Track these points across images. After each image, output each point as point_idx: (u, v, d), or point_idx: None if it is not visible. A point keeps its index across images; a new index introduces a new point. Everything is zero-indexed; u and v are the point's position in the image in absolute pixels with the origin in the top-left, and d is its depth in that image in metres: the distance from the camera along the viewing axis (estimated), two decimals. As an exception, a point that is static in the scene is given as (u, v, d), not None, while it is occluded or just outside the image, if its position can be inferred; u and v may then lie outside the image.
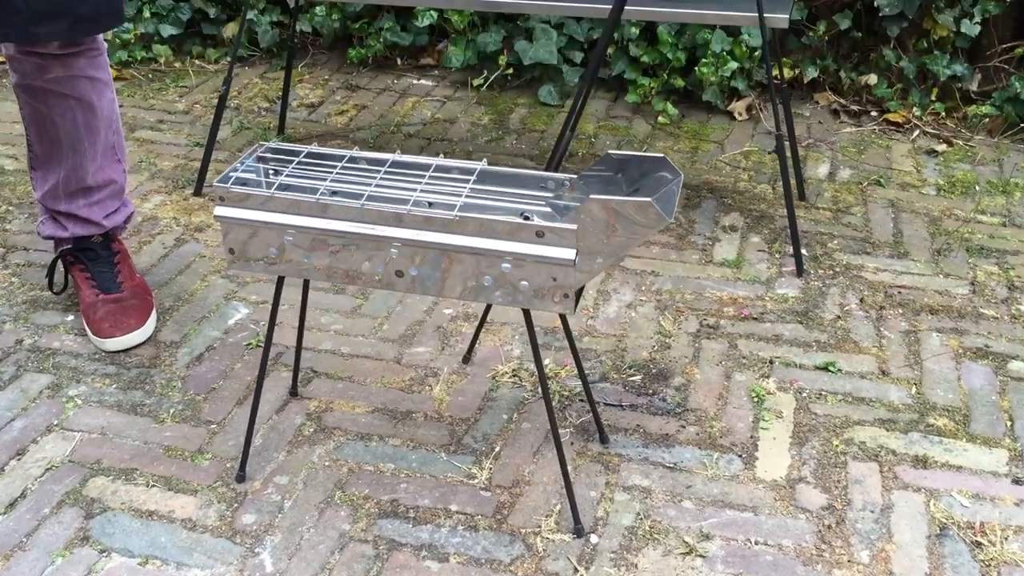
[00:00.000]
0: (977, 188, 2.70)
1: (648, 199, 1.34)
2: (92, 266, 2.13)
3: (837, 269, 2.34)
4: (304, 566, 1.57)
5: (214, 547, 1.61)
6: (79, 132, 2.03)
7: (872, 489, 1.72)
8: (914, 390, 1.95)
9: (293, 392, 1.94)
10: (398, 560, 1.58)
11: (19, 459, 1.78)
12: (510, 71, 3.31)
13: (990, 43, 3.04)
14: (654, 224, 1.37)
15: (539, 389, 1.94)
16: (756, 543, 1.61)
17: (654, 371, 2.00)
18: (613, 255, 1.42)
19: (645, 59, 3.11)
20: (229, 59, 3.14)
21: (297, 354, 1.88)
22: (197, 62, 3.52)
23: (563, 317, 1.68)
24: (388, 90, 3.33)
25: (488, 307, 1.92)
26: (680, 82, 3.12)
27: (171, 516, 1.67)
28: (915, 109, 3.04)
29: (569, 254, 1.41)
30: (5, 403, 1.92)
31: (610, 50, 3.17)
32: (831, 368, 2.01)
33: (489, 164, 1.56)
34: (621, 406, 1.91)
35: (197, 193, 2.66)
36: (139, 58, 3.46)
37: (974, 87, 3.07)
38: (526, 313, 1.54)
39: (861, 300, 2.22)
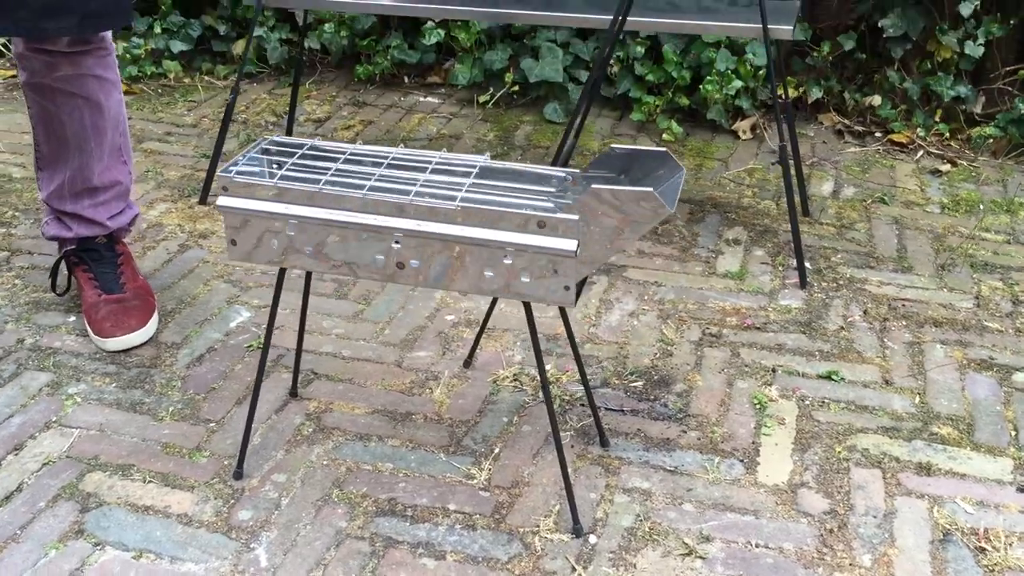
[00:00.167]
0: (981, 207, 2.70)
1: (650, 188, 1.34)
2: (95, 267, 2.13)
3: (841, 282, 2.34)
4: (299, 562, 1.56)
5: (209, 542, 1.60)
6: (86, 132, 2.04)
7: (875, 495, 1.70)
8: (918, 399, 1.94)
9: (293, 393, 1.93)
10: (394, 557, 1.57)
11: (16, 454, 1.78)
12: (516, 89, 3.33)
13: (994, 65, 3.06)
14: (656, 214, 1.37)
15: (540, 393, 1.93)
16: (757, 546, 1.60)
17: (656, 377, 1.99)
18: (615, 246, 1.42)
19: (650, 78, 3.12)
20: (237, 73, 3.16)
21: (297, 355, 1.88)
22: (206, 78, 3.54)
23: (565, 320, 1.67)
24: (395, 106, 3.35)
25: (489, 312, 1.92)
26: (685, 100, 3.14)
27: (167, 511, 1.65)
28: (919, 130, 3.05)
29: (571, 245, 1.40)
30: (4, 400, 1.91)
31: (615, 68, 3.19)
32: (834, 377, 2.00)
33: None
34: (622, 411, 1.90)
35: (202, 202, 2.67)
36: (149, 73, 3.48)
37: (978, 109, 3.07)
38: (527, 308, 1.54)
39: (864, 312, 2.22)
